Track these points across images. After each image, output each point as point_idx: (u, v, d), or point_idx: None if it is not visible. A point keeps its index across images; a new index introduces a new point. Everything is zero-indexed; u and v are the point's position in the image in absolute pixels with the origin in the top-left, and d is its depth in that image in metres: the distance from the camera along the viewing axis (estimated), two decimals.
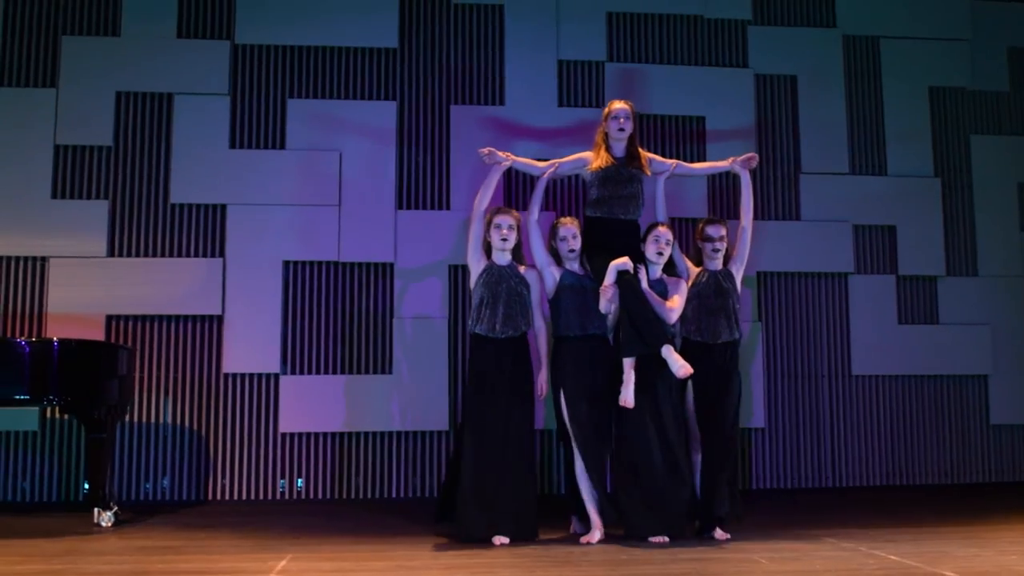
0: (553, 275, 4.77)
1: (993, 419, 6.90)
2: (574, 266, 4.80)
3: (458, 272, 6.33)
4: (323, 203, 6.32)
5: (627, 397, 4.47)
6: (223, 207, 6.26)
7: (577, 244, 4.77)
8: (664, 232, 4.80)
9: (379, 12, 6.57)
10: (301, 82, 6.48)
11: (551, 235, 4.88)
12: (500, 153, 4.83)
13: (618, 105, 5.00)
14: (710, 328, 4.85)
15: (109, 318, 6.09)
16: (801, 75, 7.04)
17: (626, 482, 4.52)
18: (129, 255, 6.19)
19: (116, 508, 4.80)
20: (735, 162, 5.13)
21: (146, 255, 6.19)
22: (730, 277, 4.99)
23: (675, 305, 4.70)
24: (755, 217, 5.15)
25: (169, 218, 6.24)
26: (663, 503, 4.45)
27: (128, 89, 6.34)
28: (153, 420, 6.08)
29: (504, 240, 4.68)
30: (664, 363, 4.47)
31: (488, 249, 4.76)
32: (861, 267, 6.87)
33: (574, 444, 4.54)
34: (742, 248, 5.06)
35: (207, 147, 6.28)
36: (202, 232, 6.25)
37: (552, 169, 4.98)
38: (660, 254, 4.78)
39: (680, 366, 4.42)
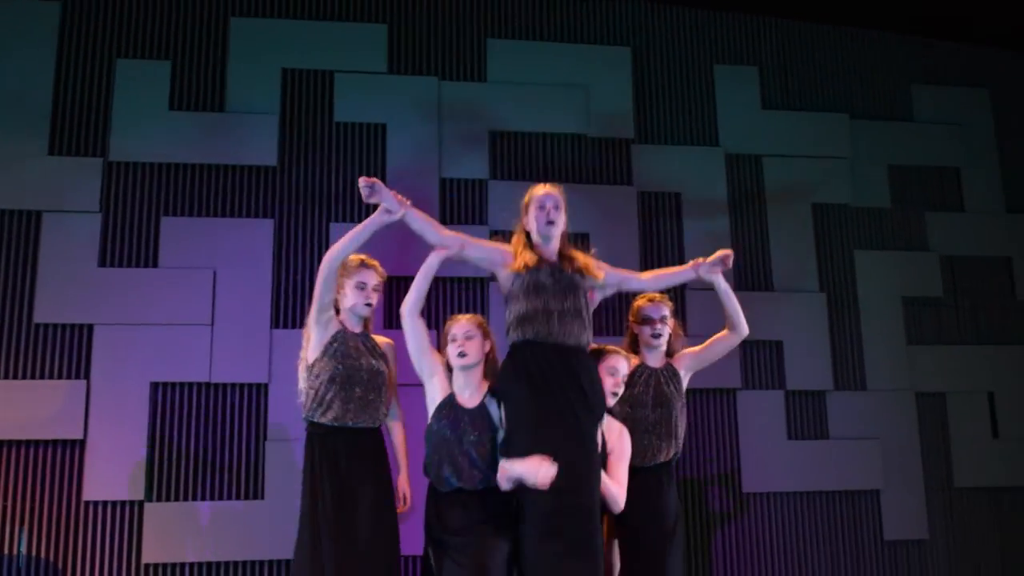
0: (437, 388, 4.02)
1: (887, 535, 7.22)
2: (464, 380, 4.03)
3: None
4: (195, 322, 6.52)
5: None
6: (89, 327, 6.42)
7: (472, 349, 3.98)
8: (624, 362, 4.19)
9: (258, 130, 6.93)
10: (176, 199, 6.76)
11: (443, 336, 4.18)
12: (394, 195, 3.93)
13: (543, 190, 4.18)
14: (641, 448, 4.32)
15: None
16: (685, 192, 7.55)
17: None
18: None
19: None
20: (699, 266, 4.38)
21: (4, 378, 6.29)
22: (675, 378, 4.53)
23: (622, 485, 4.05)
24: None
25: (32, 338, 6.38)
26: None
27: None
28: (7, 551, 6.08)
29: (368, 305, 4.10)
30: None
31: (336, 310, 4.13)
32: (748, 383, 7.25)
33: None
34: (710, 351, 4.62)
35: (75, 265, 6.47)
36: (66, 353, 6.38)
37: (457, 248, 4.10)
38: (615, 394, 4.18)
39: (536, 472, 3.60)
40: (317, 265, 6.63)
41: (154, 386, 6.43)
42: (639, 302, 4.66)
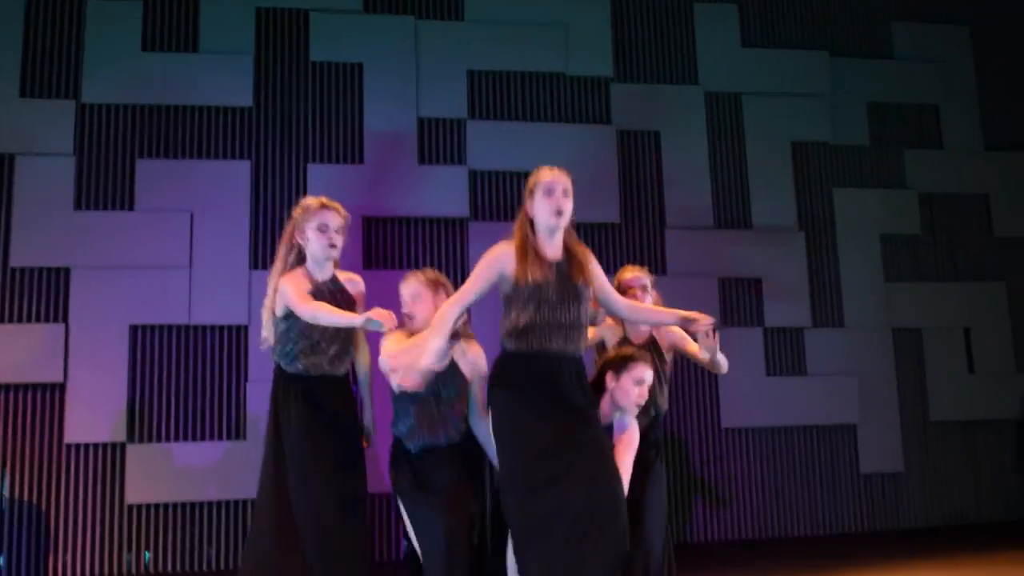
0: None
1: (863, 468, 7.36)
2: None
3: None
4: (173, 265, 6.51)
5: None
6: (67, 270, 6.40)
7: (420, 310, 3.92)
8: (650, 372, 4.00)
9: (233, 70, 6.86)
10: (151, 141, 6.71)
11: None
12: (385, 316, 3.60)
13: (550, 175, 3.71)
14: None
15: None
16: (664, 131, 7.55)
17: None
18: None
19: None
20: (685, 320, 3.92)
21: None
22: (660, 358, 4.52)
23: (624, 475, 3.86)
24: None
25: (8, 282, 6.35)
26: None
27: None
28: None
29: (332, 247, 4.01)
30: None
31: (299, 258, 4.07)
32: (728, 320, 7.31)
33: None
34: (686, 352, 4.56)
35: (50, 208, 6.44)
36: (44, 296, 6.37)
37: (464, 318, 3.76)
38: (639, 405, 4.02)
39: None
40: (295, 206, 6.73)
41: (133, 329, 6.44)
42: (621, 274, 4.62)
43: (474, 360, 4.04)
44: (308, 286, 4.02)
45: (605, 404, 4.03)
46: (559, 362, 3.63)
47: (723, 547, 6.87)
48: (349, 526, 3.93)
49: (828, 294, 7.59)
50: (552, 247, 3.70)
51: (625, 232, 7.27)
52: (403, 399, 3.96)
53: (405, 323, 4.00)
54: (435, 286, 4.01)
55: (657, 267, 7.23)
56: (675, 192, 7.47)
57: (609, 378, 4.05)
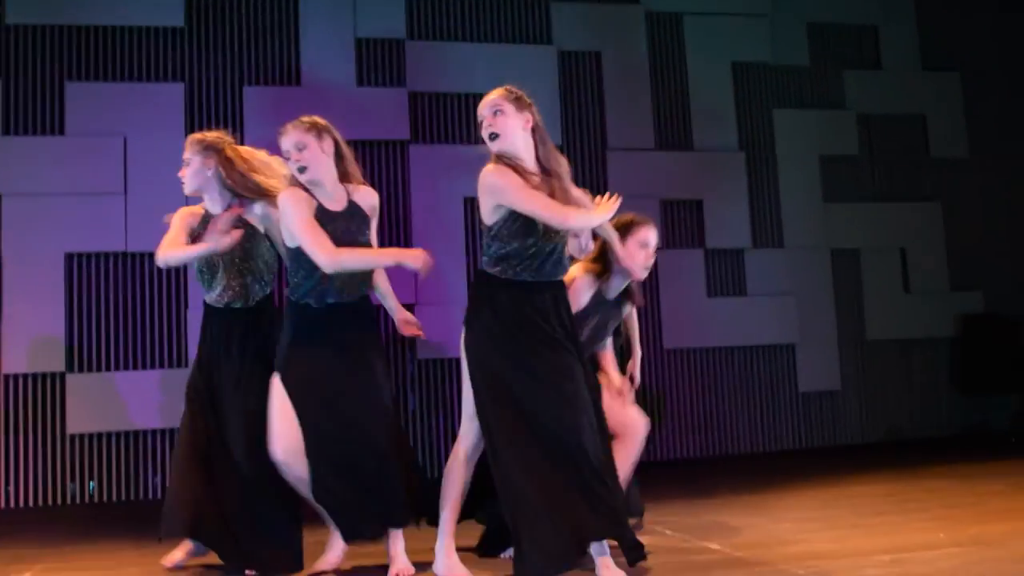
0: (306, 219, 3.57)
1: (801, 387, 7.53)
2: (323, 191, 3.63)
3: None
4: (107, 191, 6.38)
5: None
6: None
7: (309, 158, 3.58)
8: (655, 235, 3.98)
9: None
10: (80, 64, 6.52)
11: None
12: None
13: (484, 99, 3.47)
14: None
15: None
16: (605, 51, 7.50)
17: None
18: None
19: None
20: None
21: None
22: None
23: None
24: None
25: None
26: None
27: None
28: None
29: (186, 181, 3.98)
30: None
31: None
32: (669, 242, 7.36)
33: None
34: None
35: None
36: None
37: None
38: (647, 268, 4.02)
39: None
40: (232, 128, 6.54)
41: (68, 257, 6.33)
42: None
43: (372, 204, 3.80)
44: (192, 221, 3.91)
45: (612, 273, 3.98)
46: (540, 287, 3.44)
47: (665, 466, 6.99)
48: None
49: (768, 215, 7.68)
50: (527, 170, 3.44)
51: (566, 154, 7.11)
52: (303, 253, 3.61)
53: (298, 178, 3.64)
54: (318, 130, 3.67)
55: (598, 189, 7.10)
56: (616, 113, 7.46)
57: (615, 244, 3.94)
